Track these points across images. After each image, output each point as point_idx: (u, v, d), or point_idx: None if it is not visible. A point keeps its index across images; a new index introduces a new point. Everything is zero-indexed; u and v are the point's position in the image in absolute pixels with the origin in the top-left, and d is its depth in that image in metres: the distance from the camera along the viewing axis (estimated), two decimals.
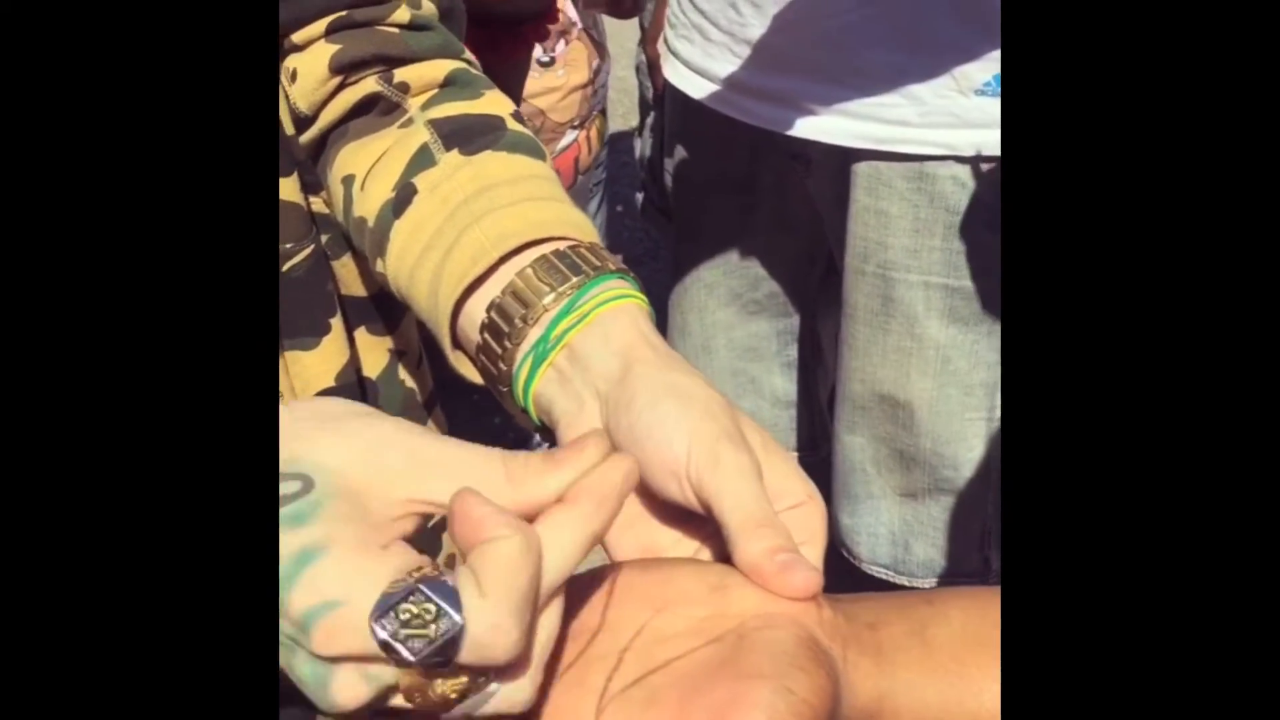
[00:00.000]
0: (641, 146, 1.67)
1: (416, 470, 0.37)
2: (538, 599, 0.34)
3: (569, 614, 0.38)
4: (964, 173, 1.15)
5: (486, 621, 0.33)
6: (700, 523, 0.45)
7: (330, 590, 0.34)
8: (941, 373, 1.24)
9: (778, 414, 1.53)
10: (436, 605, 0.32)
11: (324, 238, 0.68)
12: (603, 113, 1.61)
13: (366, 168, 0.60)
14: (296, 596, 0.34)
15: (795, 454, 1.57)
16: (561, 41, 1.48)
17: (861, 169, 1.18)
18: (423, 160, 0.58)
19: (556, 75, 1.48)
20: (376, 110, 0.62)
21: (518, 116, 0.62)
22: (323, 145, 0.64)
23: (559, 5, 1.51)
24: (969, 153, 1.14)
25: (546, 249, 0.52)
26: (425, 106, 0.61)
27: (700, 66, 1.27)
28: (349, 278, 0.71)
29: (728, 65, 1.23)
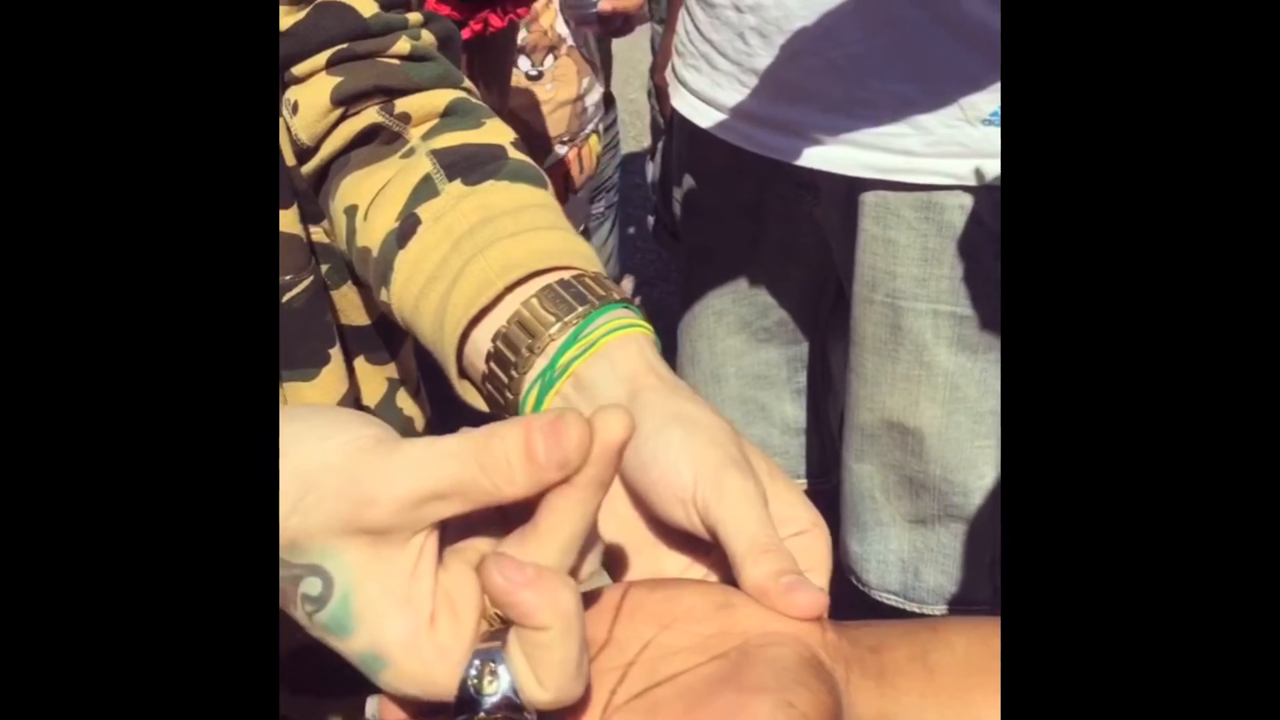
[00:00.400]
0: (653, 170, 1.68)
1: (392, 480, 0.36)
2: (586, 653, 0.36)
3: None
4: (972, 202, 1.15)
5: (549, 703, 0.35)
6: (706, 549, 0.45)
7: (410, 689, 0.36)
8: (950, 400, 1.23)
9: (788, 441, 1.53)
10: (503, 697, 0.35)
11: (324, 267, 0.69)
12: (597, 133, 1.61)
13: (369, 198, 0.60)
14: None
15: (805, 481, 1.57)
16: (550, 56, 1.49)
17: (869, 198, 1.18)
18: (425, 191, 0.58)
19: (544, 89, 1.49)
20: (378, 140, 0.63)
21: (518, 145, 0.62)
22: (324, 176, 0.65)
23: (550, 22, 1.52)
24: (977, 182, 1.14)
25: (551, 279, 0.52)
26: (427, 136, 0.62)
27: (708, 96, 1.28)
28: (348, 307, 0.71)
29: (735, 95, 1.23)
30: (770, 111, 1.21)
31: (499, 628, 0.36)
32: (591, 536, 0.37)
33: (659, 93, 1.62)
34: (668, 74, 1.41)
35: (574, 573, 0.37)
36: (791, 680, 0.36)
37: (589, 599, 0.40)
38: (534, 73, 1.52)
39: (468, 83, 0.67)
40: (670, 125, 1.48)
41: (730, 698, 0.35)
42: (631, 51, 2.64)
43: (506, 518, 0.37)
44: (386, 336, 0.74)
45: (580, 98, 1.56)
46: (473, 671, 0.35)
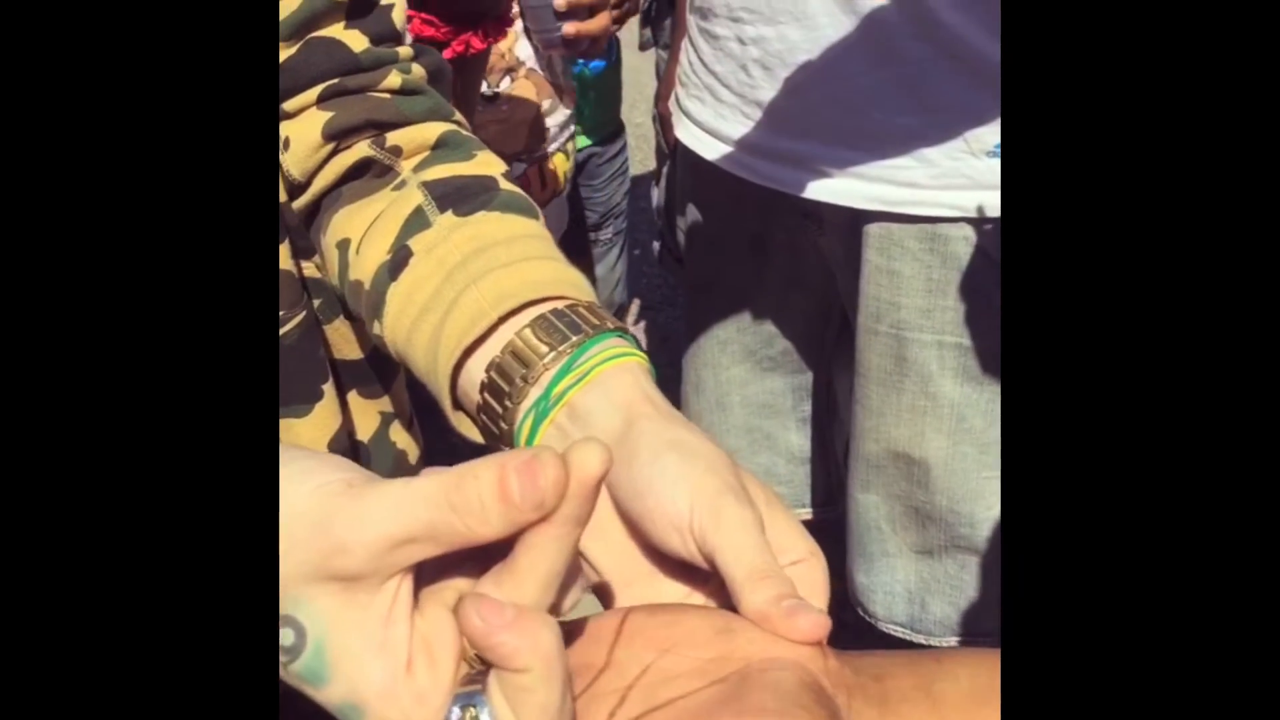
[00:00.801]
0: (658, 195, 1.68)
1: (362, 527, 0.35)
2: (569, 693, 0.35)
3: (575, 653, 0.38)
4: (976, 234, 1.15)
5: None
6: (705, 577, 0.45)
7: None
8: (956, 431, 1.23)
9: (793, 470, 1.53)
10: None
11: (316, 302, 0.69)
12: (563, 152, 1.63)
13: (361, 231, 0.60)
14: None
15: (811, 510, 1.56)
16: (507, 78, 1.51)
17: (873, 230, 1.18)
18: (417, 223, 0.58)
19: (499, 109, 1.51)
20: (370, 174, 0.63)
21: (509, 176, 0.62)
22: (316, 210, 0.65)
23: (508, 45, 1.54)
24: (981, 214, 1.13)
25: (545, 308, 0.52)
26: (418, 168, 0.62)
27: (711, 127, 1.27)
28: (340, 341, 0.71)
29: (739, 126, 1.23)
30: (774, 143, 1.21)
31: (478, 670, 0.36)
32: (571, 573, 0.37)
33: (663, 121, 1.62)
34: (671, 104, 1.41)
35: (554, 610, 0.36)
36: (792, 703, 0.36)
37: (588, 624, 0.40)
38: (489, 93, 1.54)
39: (458, 115, 0.67)
40: (673, 154, 1.48)
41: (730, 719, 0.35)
42: (637, 76, 2.65)
43: (485, 555, 0.37)
44: (379, 370, 0.74)
45: (539, 118, 1.58)
46: (453, 717, 0.35)
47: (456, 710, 0.35)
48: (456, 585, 0.37)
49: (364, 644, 0.35)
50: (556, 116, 1.60)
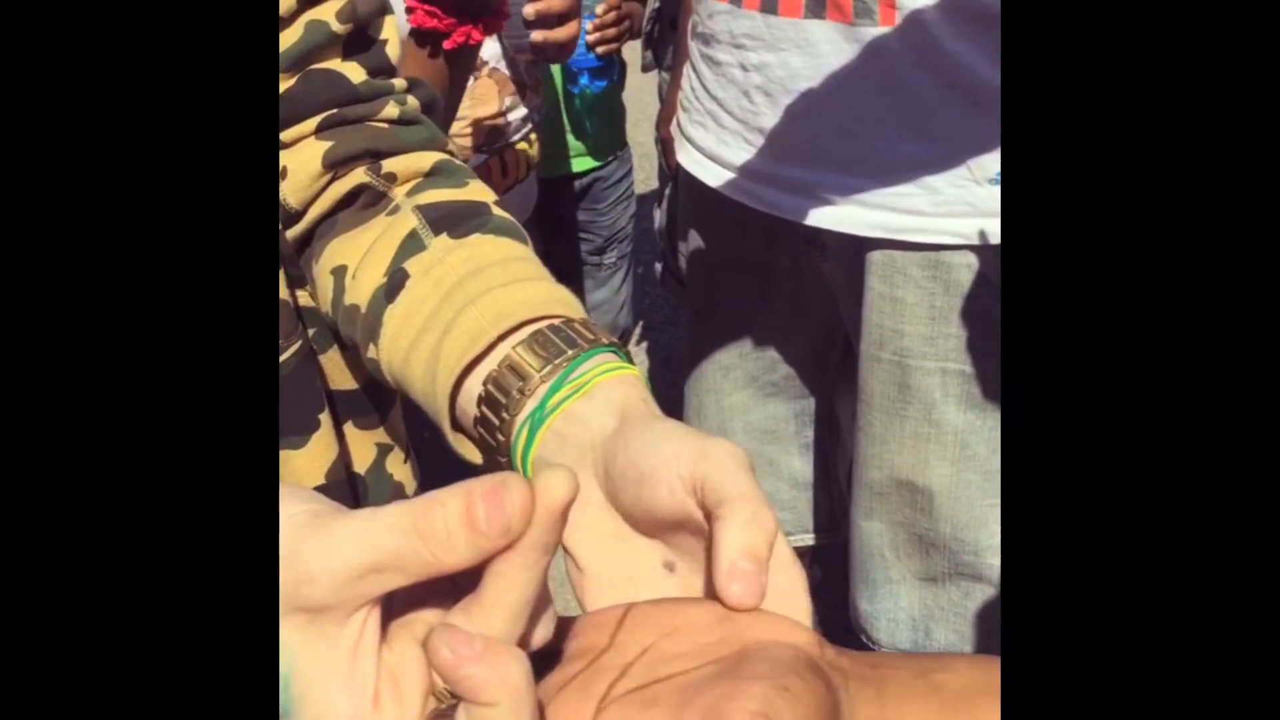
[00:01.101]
0: (660, 216, 1.68)
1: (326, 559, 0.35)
2: None
3: (578, 639, 0.39)
4: (979, 261, 1.14)
5: None
6: (681, 543, 0.45)
7: None
8: (960, 458, 1.22)
9: (796, 496, 1.52)
10: None
11: (310, 331, 0.69)
12: (527, 142, 1.65)
13: (358, 258, 0.61)
14: None
15: (814, 536, 1.56)
16: (470, 78, 1.54)
17: (876, 257, 1.18)
18: (412, 246, 0.59)
19: (462, 106, 1.54)
20: (363, 200, 0.63)
21: (499, 204, 0.63)
22: (309, 239, 0.65)
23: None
24: (984, 241, 1.13)
25: (541, 325, 0.53)
26: (411, 193, 0.63)
27: (714, 153, 1.27)
28: (334, 371, 0.71)
29: (741, 153, 1.23)
30: (776, 170, 1.21)
31: (447, 705, 0.35)
32: (541, 602, 0.36)
33: (664, 145, 1.63)
34: (673, 128, 1.41)
35: (523, 642, 0.35)
36: (787, 670, 0.36)
37: (591, 615, 0.41)
38: None
39: (452, 145, 0.68)
40: (675, 178, 1.48)
41: (726, 684, 0.36)
42: (640, 95, 2.66)
43: (455, 588, 0.36)
44: (375, 400, 0.74)
45: (501, 114, 1.61)
46: None
47: None
48: (425, 618, 0.37)
49: (330, 678, 0.35)
50: (518, 112, 1.63)
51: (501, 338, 0.53)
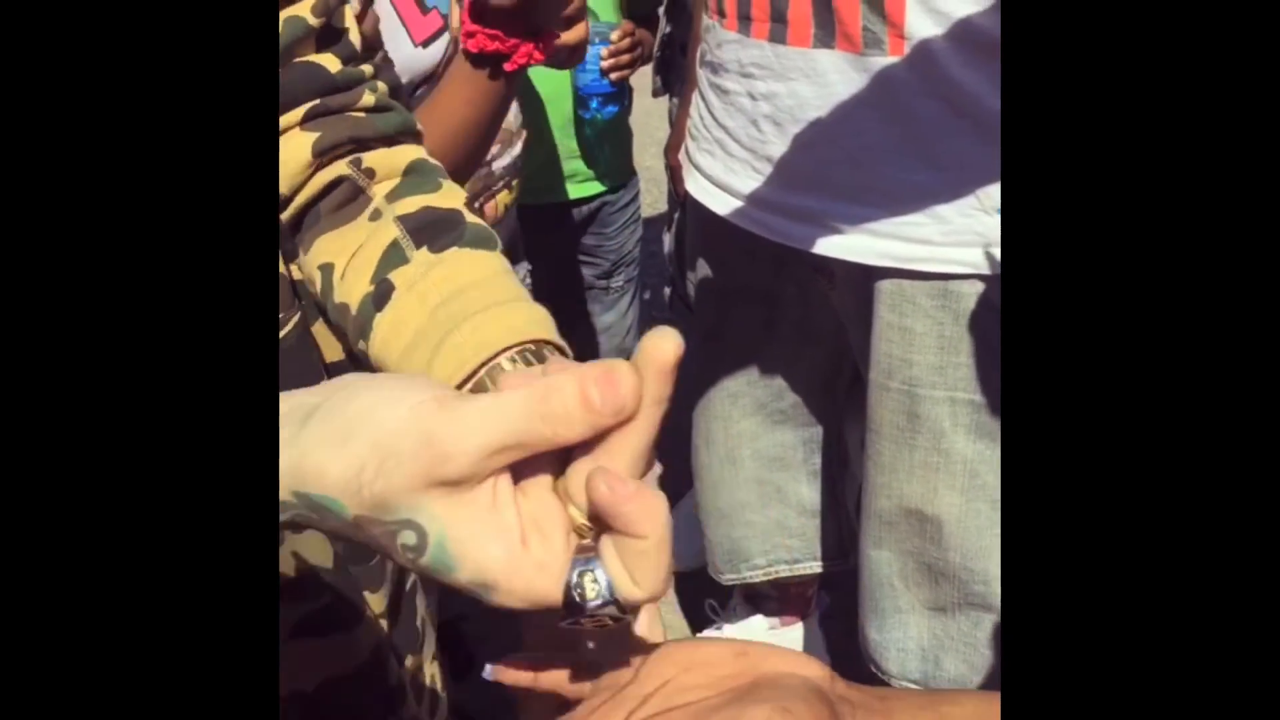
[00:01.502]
0: (669, 241, 1.68)
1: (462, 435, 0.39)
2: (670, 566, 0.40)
3: (606, 676, 0.44)
4: (989, 290, 1.14)
5: (644, 599, 0.40)
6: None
7: (519, 604, 0.40)
8: (969, 487, 1.22)
9: (805, 523, 1.51)
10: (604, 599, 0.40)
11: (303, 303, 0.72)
12: (509, 188, 1.64)
13: (344, 260, 0.65)
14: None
15: (822, 563, 1.55)
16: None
17: (885, 286, 1.18)
18: (395, 257, 0.64)
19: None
20: (342, 191, 0.67)
21: (469, 204, 0.68)
22: (298, 226, 0.69)
23: None
24: (993, 270, 1.13)
25: (515, 351, 0.59)
26: (390, 197, 0.67)
27: (722, 181, 1.27)
28: (327, 343, 0.74)
29: (749, 181, 1.23)
30: (785, 199, 1.20)
31: (587, 540, 0.41)
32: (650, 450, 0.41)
33: (673, 173, 1.63)
34: (681, 156, 1.41)
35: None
36: (791, 695, 0.39)
37: (619, 659, 0.45)
38: None
39: (419, 125, 0.73)
40: (683, 205, 1.48)
41: (733, 709, 0.39)
42: (648, 119, 2.66)
43: (562, 451, 0.41)
44: (360, 370, 0.75)
45: (487, 164, 1.61)
46: (574, 579, 0.40)
47: (575, 575, 0.40)
48: (542, 478, 0.42)
49: (480, 531, 0.40)
50: (501, 161, 1.62)
51: (483, 364, 0.58)
